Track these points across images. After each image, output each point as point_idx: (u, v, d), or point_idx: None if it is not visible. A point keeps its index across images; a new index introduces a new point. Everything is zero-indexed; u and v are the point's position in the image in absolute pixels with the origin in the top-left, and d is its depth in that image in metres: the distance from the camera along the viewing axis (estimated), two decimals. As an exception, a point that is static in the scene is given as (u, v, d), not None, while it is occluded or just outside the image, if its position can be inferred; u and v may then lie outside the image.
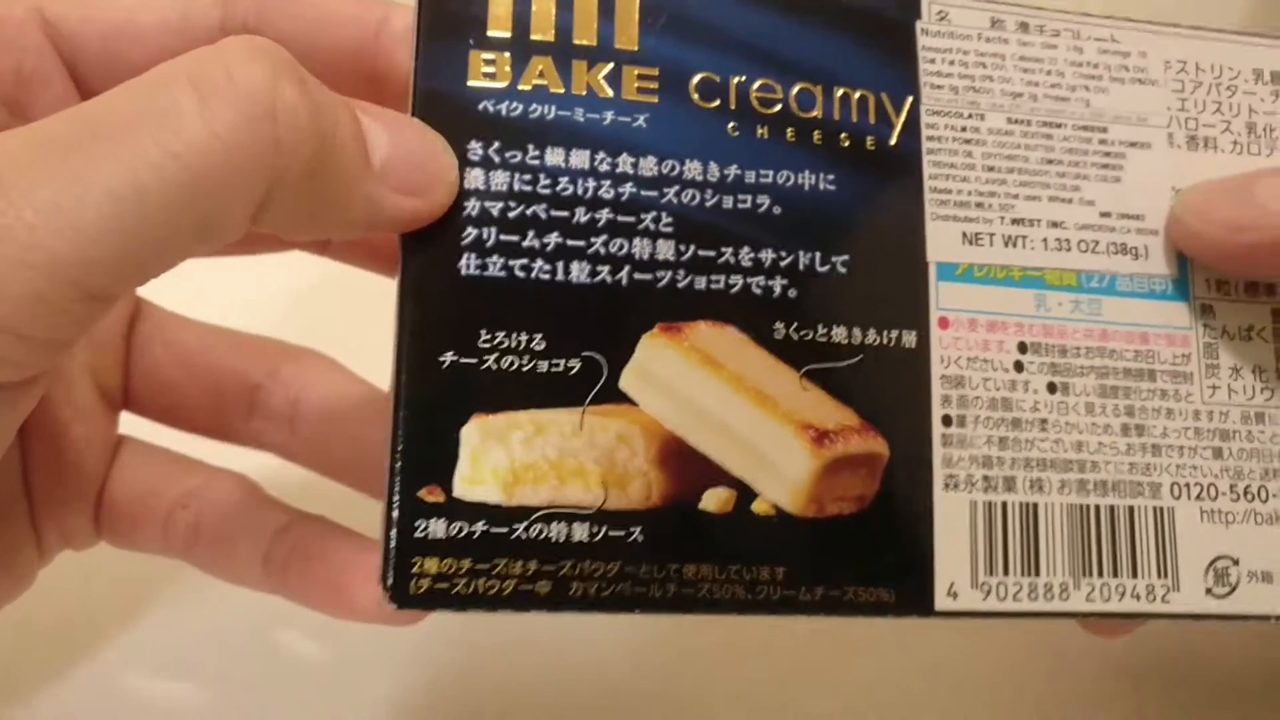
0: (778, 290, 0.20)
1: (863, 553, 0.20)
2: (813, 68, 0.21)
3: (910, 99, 0.21)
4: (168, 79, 0.16)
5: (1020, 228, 0.21)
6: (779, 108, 0.20)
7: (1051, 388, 0.21)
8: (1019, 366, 0.21)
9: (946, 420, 0.20)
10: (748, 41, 0.21)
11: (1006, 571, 0.20)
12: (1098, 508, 0.21)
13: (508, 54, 0.19)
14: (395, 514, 0.18)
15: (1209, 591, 0.21)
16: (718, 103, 0.20)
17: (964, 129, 0.21)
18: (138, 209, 0.15)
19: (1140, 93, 0.22)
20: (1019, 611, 0.20)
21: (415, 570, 0.18)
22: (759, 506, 0.19)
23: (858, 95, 0.21)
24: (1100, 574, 0.20)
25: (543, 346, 0.19)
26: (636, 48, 0.20)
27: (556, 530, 0.18)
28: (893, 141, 0.21)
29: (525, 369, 0.19)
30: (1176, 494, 0.21)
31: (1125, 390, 0.21)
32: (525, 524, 0.18)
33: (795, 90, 0.21)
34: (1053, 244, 0.21)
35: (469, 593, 0.18)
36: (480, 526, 0.18)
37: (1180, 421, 0.21)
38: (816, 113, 0.21)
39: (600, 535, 0.19)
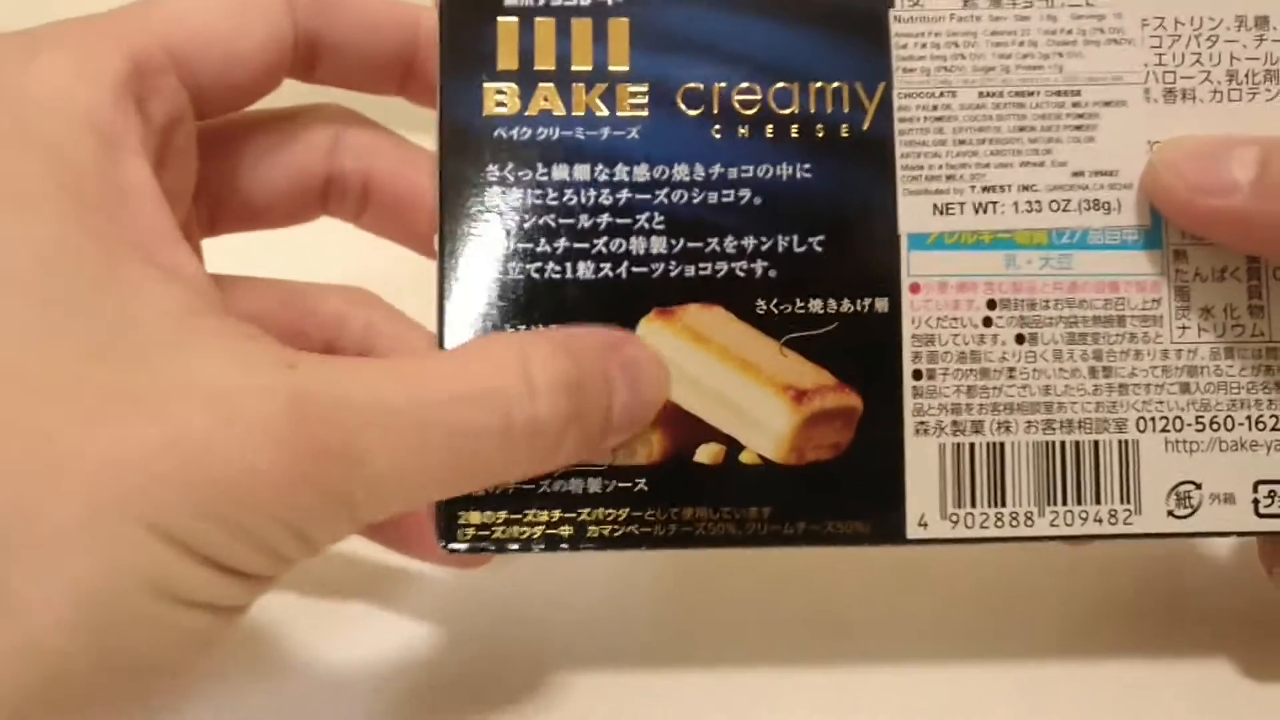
0: (759, 271, 0.23)
1: (840, 492, 0.23)
2: (790, 67, 0.23)
3: (883, 85, 0.23)
4: (488, 418, 0.20)
5: (991, 194, 0.23)
6: (758, 108, 0.23)
7: (1020, 339, 0.23)
8: (988, 321, 0.23)
9: (917, 374, 0.23)
10: (728, 49, 0.23)
11: (974, 504, 0.23)
12: (1063, 443, 0.23)
13: (516, 84, 0.23)
14: (446, 477, 0.22)
15: (1170, 514, 0.23)
16: (702, 109, 0.23)
17: (935, 107, 0.23)
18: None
19: (1116, 52, 0.24)
20: (985, 538, 0.23)
21: (461, 522, 0.23)
22: (746, 457, 0.23)
23: (833, 87, 0.23)
24: (1064, 502, 0.23)
25: (559, 334, 0.23)
26: (628, 67, 0.23)
27: (575, 484, 0.23)
28: (866, 126, 0.23)
29: (544, 354, 0.23)
30: (1142, 427, 0.23)
31: (1094, 336, 0.23)
32: (549, 480, 0.23)
33: (773, 90, 0.23)
34: (1023, 206, 0.23)
35: (506, 537, 0.23)
36: (513, 484, 0.23)
37: (1148, 361, 0.23)
38: (794, 108, 0.23)
39: (611, 487, 0.23)
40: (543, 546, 0.23)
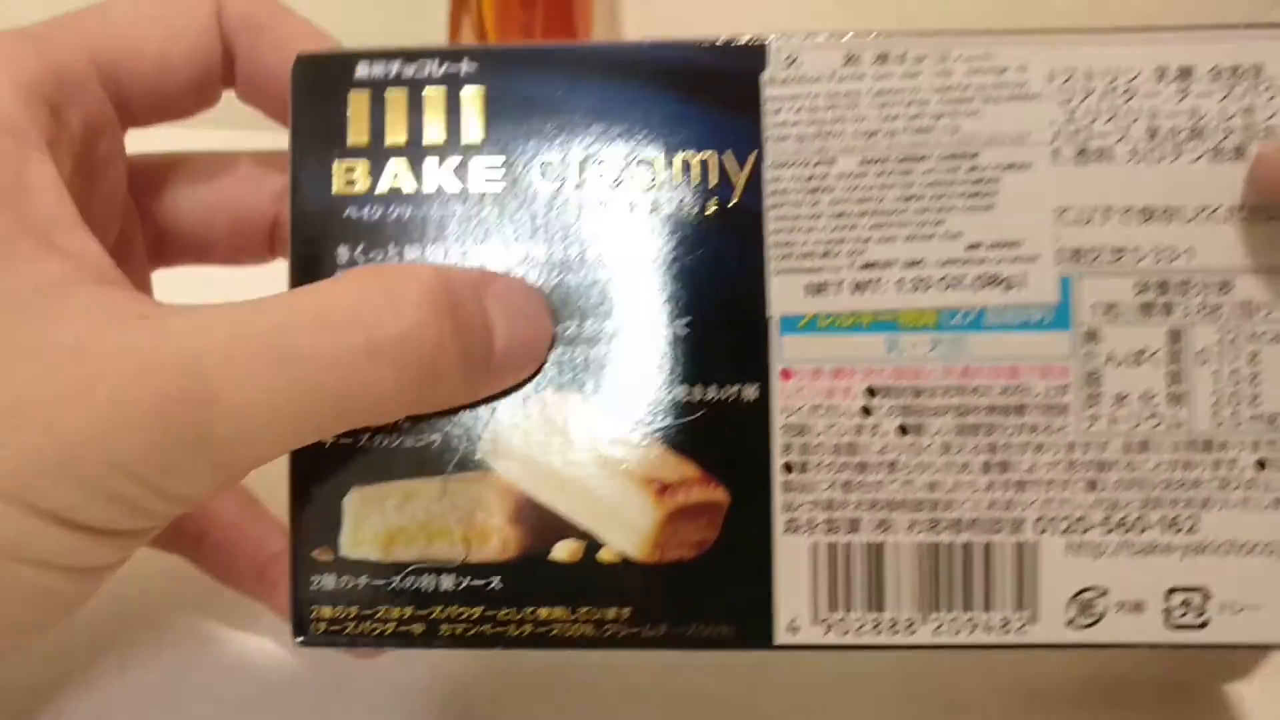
0: (620, 356, 0.22)
1: (704, 592, 0.22)
2: (653, 137, 0.22)
3: (754, 155, 0.22)
4: (349, 338, 0.19)
5: (871, 271, 0.21)
6: (618, 181, 0.22)
7: (903, 430, 0.21)
8: (867, 411, 0.21)
9: (788, 467, 0.22)
10: (588, 118, 0.22)
11: (849, 608, 0.21)
12: (950, 545, 0.21)
13: (367, 161, 0.22)
14: (295, 570, 0.22)
15: (1071, 623, 0.21)
16: (559, 184, 0.22)
17: (810, 178, 0.22)
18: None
19: (1020, 110, 0.21)
20: (862, 644, 0.21)
21: (314, 616, 0.22)
22: (605, 555, 0.22)
23: (699, 159, 0.22)
24: (950, 609, 0.21)
25: (408, 426, 0.22)
26: (482, 140, 0.22)
27: (427, 581, 0.22)
28: (734, 202, 0.22)
29: (395, 446, 0.22)
30: (1042, 528, 0.21)
31: (989, 427, 0.21)
32: (400, 576, 0.22)
33: (634, 162, 0.22)
34: (909, 284, 0.21)
35: (358, 633, 0.22)
36: (364, 579, 0.22)
37: (1051, 455, 0.21)
38: (655, 182, 0.22)
39: (464, 584, 0.22)
40: (395, 644, 0.22)
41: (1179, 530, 0.21)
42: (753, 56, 0.22)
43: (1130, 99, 0.21)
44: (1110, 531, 0.21)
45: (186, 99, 0.24)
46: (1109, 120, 0.21)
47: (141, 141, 0.24)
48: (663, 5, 0.43)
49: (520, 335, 0.21)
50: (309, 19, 0.24)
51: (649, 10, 0.44)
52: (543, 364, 0.22)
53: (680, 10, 0.43)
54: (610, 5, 0.44)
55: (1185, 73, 0.21)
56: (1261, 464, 0.21)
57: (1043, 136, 0.21)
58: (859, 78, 0.22)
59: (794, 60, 0.22)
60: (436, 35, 0.42)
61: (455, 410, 0.22)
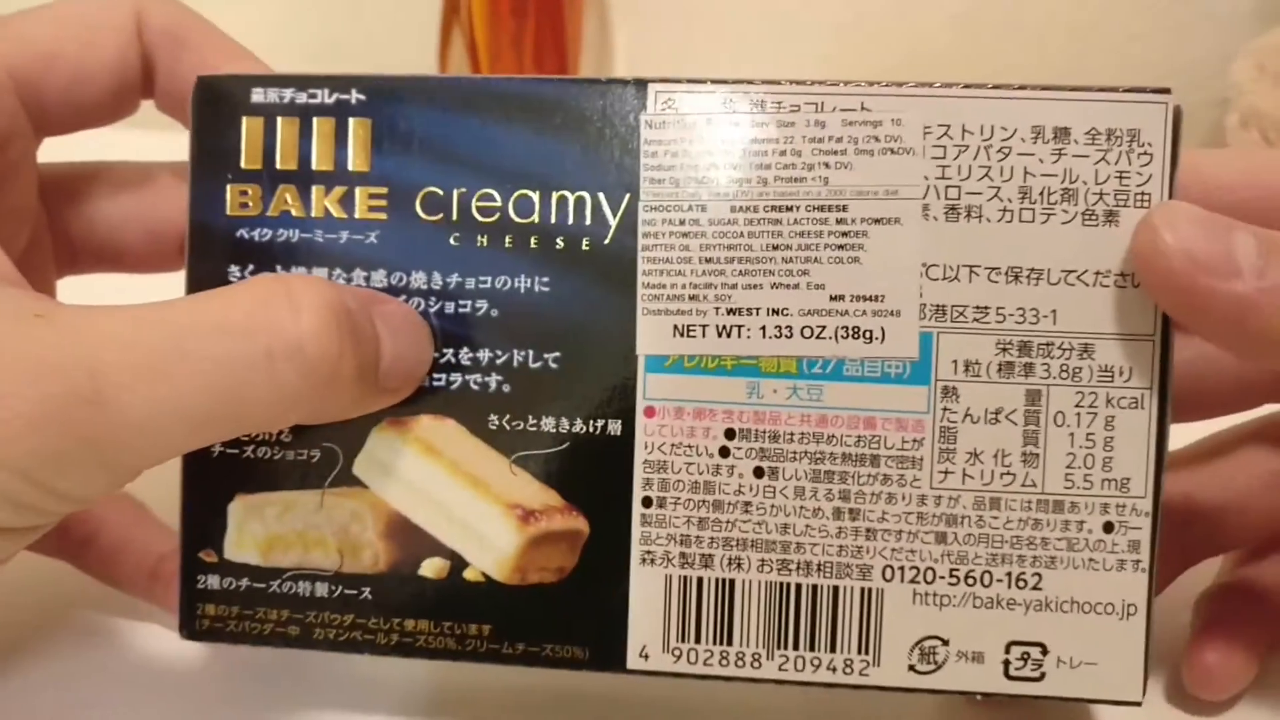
0: (493, 386, 0.22)
1: (561, 615, 0.23)
2: (532, 174, 0.22)
3: (628, 197, 0.22)
4: (248, 342, 0.19)
5: (736, 318, 0.22)
6: (498, 216, 0.22)
7: (758, 472, 0.22)
8: (725, 452, 0.22)
9: (647, 501, 0.22)
10: (471, 154, 0.22)
11: (699, 639, 0.22)
12: (798, 586, 0.22)
13: (258, 185, 0.23)
14: (183, 570, 0.23)
15: (912, 668, 0.22)
16: (440, 216, 0.22)
17: (683, 222, 0.22)
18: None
19: (892, 164, 0.21)
20: (708, 675, 0.22)
21: (199, 613, 0.23)
22: (470, 574, 0.23)
23: (575, 197, 0.22)
24: (796, 647, 0.22)
25: (290, 439, 0.23)
26: (368, 169, 0.23)
27: (303, 587, 0.23)
28: (607, 241, 0.22)
29: (277, 458, 0.23)
30: (889, 576, 0.22)
31: (842, 475, 0.22)
32: (278, 581, 0.23)
33: (514, 198, 0.22)
34: (771, 332, 0.22)
35: (239, 631, 0.23)
36: (244, 581, 0.23)
37: (901, 506, 0.22)
38: (534, 218, 0.22)
39: (337, 593, 0.23)
40: (273, 643, 0.23)
41: (1024, 586, 0.22)
42: (633, 97, 0.22)
43: (1005, 157, 0.21)
44: (956, 584, 0.22)
45: (103, 108, 0.25)
46: (982, 178, 0.21)
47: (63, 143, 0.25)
48: (650, 14, 0.43)
49: (404, 355, 0.22)
50: (231, 36, 0.25)
51: (638, 19, 0.44)
52: (421, 387, 0.23)
53: (665, 19, 0.43)
54: (600, 14, 0.44)
55: (1061, 133, 0.21)
56: (1109, 527, 0.21)
57: (914, 192, 0.21)
58: (734, 125, 0.22)
59: (671, 103, 0.22)
60: (428, 46, 0.42)
61: (335, 427, 0.23)
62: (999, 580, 0.22)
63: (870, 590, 0.22)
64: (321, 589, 0.23)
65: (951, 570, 0.22)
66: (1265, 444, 0.26)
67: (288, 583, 0.23)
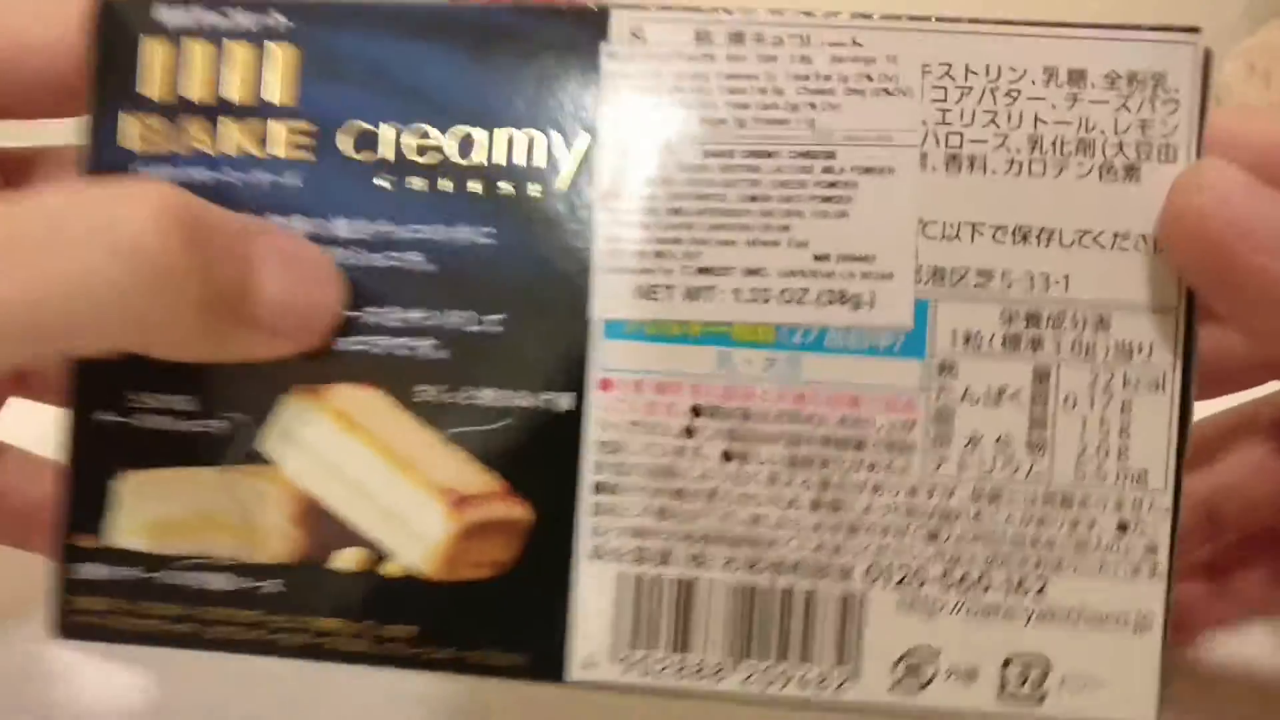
0: (425, 351, 0.20)
1: (497, 617, 0.20)
2: (476, 108, 0.19)
3: (586, 138, 0.19)
4: (82, 235, 0.17)
5: (707, 277, 0.19)
6: (435, 155, 0.19)
7: (727, 456, 0.19)
8: (689, 432, 0.19)
9: (599, 487, 0.19)
10: (408, 86, 0.20)
11: (653, 646, 0.19)
12: (769, 588, 0.19)
13: (162, 116, 0.20)
14: (57, 557, 0.20)
15: (896, 684, 0.19)
16: (371, 154, 0.20)
17: (649, 168, 0.19)
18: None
19: (887, 106, 0.19)
20: (662, 688, 0.19)
21: (74, 607, 0.20)
22: (391, 568, 0.20)
23: (525, 137, 0.19)
24: (763, 657, 0.19)
25: (188, 408, 0.20)
26: (293, 102, 0.20)
27: (198, 579, 0.20)
28: (561, 188, 0.19)
29: (172, 429, 0.20)
30: (873, 578, 0.19)
31: (822, 461, 0.19)
32: (170, 571, 0.20)
33: (454, 135, 0.19)
34: (746, 294, 0.19)
35: (121, 628, 0.20)
36: (131, 571, 0.20)
37: (889, 498, 0.19)
38: (477, 159, 0.19)
39: (239, 585, 0.20)
40: (160, 643, 0.20)
41: (1025, 593, 0.19)
42: (593, 25, 0.19)
43: (1013, 102, 0.19)
44: (949, 589, 0.19)
45: (44, 101, 0.21)
46: (987, 124, 0.19)
47: None
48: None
49: (295, 296, 0.19)
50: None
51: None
52: (328, 344, 0.20)
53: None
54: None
55: (1077, 76, 0.19)
56: (1124, 526, 0.19)
57: (910, 138, 0.19)
58: (710, 58, 0.19)
59: (639, 33, 0.19)
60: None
61: (242, 394, 0.20)
62: (997, 585, 0.19)
63: (851, 594, 0.19)
64: (220, 581, 0.20)
65: (944, 573, 0.19)
66: (1256, 430, 0.23)
67: (181, 573, 0.20)
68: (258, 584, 0.20)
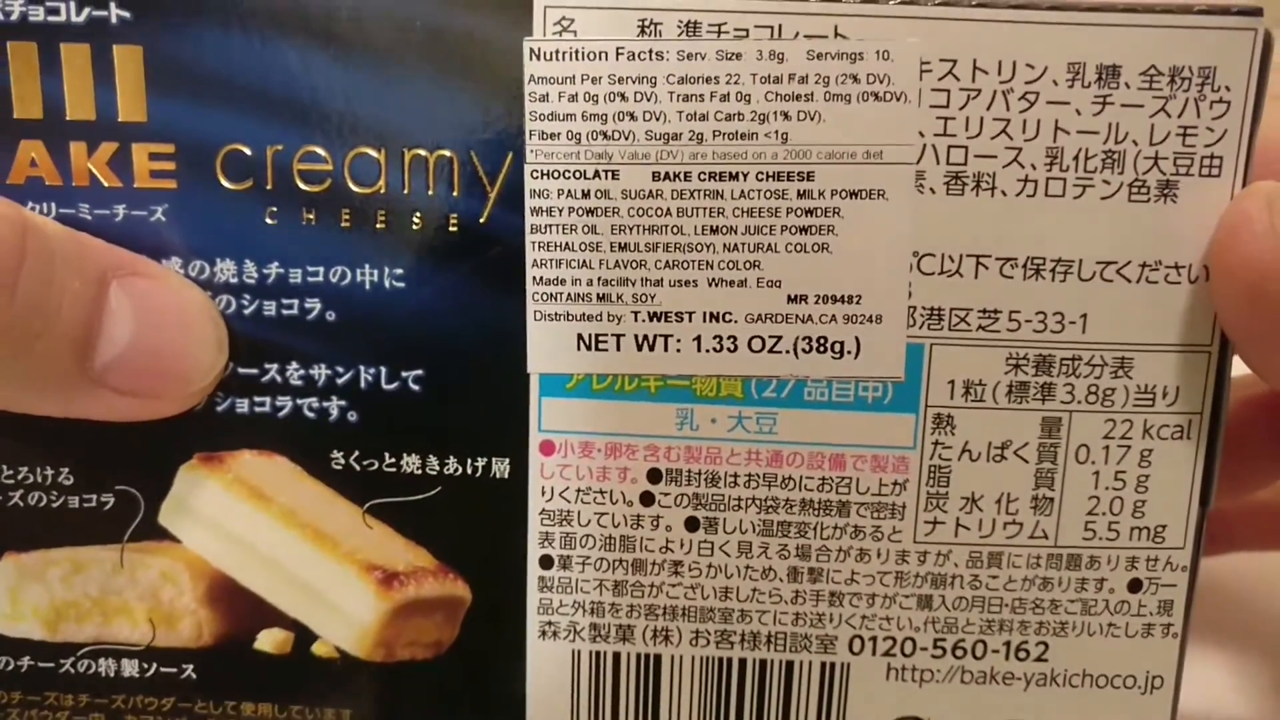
0: (335, 413, 0.17)
1: (439, 701, 0.18)
2: (375, 125, 0.16)
3: (510, 157, 0.16)
4: None
5: (661, 324, 0.16)
6: (329, 183, 0.16)
7: (692, 524, 0.17)
8: (648, 498, 0.17)
9: (546, 561, 0.17)
10: (289, 98, 0.16)
11: (616, 725, 0.18)
12: (743, 661, 0.17)
13: (-9, 140, 0.16)
14: (-58, 648, 0.18)
15: (883, 758, 0.17)
16: (250, 183, 0.16)
17: (586, 194, 0.16)
18: None
19: (878, 113, 0.15)
20: (628, 770, 0.18)
21: (-33, 700, 0.18)
22: (320, 648, 0.18)
23: (436, 157, 0.16)
24: (739, 732, 0.17)
25: (71, 481, 0.17)
26: (146, 119, 0.16)
27: (105, 666, 0.18)
28: (483, 219, 0.16)
29: (55, 505, 0.17)
30: (858, 648, 0.17)
31: (800, 527, 0.17)
32: (72, 659, 0.18)
33: (350, 158, 0.16)
34: (708, 344, 0.16)
35: (25, 720, 0.18)
36: (26, 661, 0.18)
37: (877, 565, 0.17)
38: (379, 186, 0.16)
39: (151, 671, 0.18)
40: (71, 733, 0.18)
41: (1025, 658, 0.17)
42: (512, 15, 0.15)
43: (1029, 107, 0.15)
44: (941, 656, 0.17)
45: None
46: (997, 135, 0.15)
47: None
48: None
49: (155, 346, 0.16)
50: None
51: None
52: (213, 405, 0.17)
53: None
54: None
55: (1108, 74, 0.15)
56: (1136, 585, 0.17)
57: (905, 154, 0.16)
58: (658, 55, 0.15)
59: (567, 26, 0.15)
60: None
61: (132, 466, 0.17)
62: (995, 651, 0.17)
63: (834, 665, 0.17)
64: (130, 667, 0.18)
65: (936, 640, 0.17)
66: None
67: (85, 660, 0.18)
68: (172, 669, 0.18)
